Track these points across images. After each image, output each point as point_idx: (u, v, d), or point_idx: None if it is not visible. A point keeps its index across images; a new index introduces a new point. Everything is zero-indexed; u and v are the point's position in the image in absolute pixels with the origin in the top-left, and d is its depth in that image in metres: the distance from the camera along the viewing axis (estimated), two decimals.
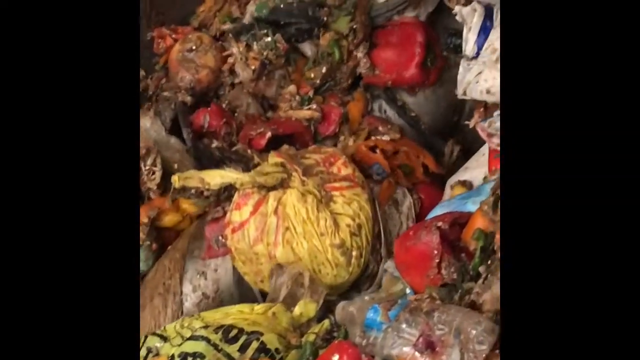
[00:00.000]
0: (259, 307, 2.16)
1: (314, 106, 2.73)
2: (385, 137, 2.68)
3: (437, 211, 2.18)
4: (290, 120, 2.73)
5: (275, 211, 2.35)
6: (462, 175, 2.52)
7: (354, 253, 2.37)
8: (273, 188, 2.39)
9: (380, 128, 2.71)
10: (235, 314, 2.16)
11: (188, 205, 2.66)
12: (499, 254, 1.86)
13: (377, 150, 2.62)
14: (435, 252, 1.98)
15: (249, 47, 2.76)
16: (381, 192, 2.55)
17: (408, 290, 2.06)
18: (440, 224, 2.00)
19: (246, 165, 2.53)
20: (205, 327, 2.08)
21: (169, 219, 2.68)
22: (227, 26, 2.86)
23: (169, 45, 2.90)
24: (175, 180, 2.36)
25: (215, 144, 2.66)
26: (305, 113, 2.73)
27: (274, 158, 2.44)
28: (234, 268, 2.51)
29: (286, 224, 2.34)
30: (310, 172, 2.41)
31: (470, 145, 2.69)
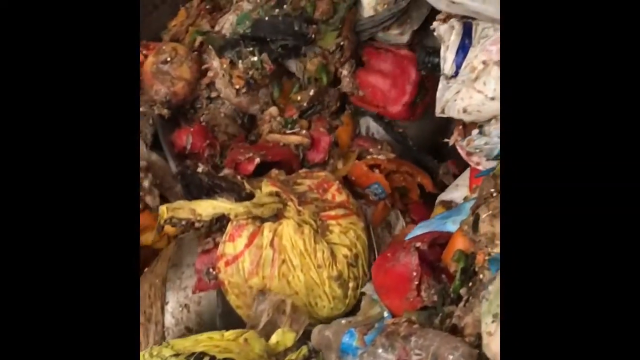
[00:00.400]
0: (229, 334, 2.15)
1: (303, 132, 2.72)
2: (382, 157, 2.67)
3: (417, 231, 2.18)
4: (279, 146, 2.72)
5: (271, 243, 2.34)
6: (452, 192, 2.54)
7: (350, 284, 2.37)
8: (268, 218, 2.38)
9: (371, 149, 2.72)
10: (206, 340, 2.15)
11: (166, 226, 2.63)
12: (480, 276, 1.86)
13: (377, 170, 2.62)
14: (415, 273, 1.99)
15: (232, 64, 2.73)
16: (375, 214, 2.56)
17: (386, 314, 2.06)
18: (418, 244, 2.00)
19: (238, 194, 2.51)
20: (176, 355, 2.08)
21: (145, 237, 2.65)
22: (201, 39, 2.84)
23: (140, 61, 2.89)
24: (164, 212, 2.35)
25: (201, 167, 2.65)
26: (294, 139, 2.72)
27: (268, 187, 2.43)
28: (219, 300, 2.50)
29: (282, 257, 2.34)
30: (304, 199, 2.42)
31: (461, 162, 2.68)
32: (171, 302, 2.52)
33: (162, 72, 2.82)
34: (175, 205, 2.38)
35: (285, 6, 2.70)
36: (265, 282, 2.34)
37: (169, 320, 2.50)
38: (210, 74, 2.83)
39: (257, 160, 2.62)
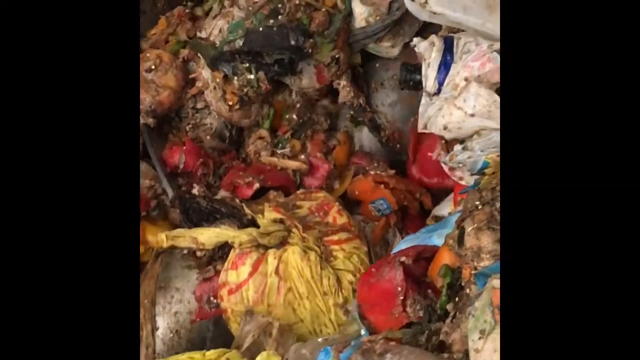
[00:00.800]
0: (210, 353, 2.13)
1: (302, 157, 2.68)
2: (385, 174, 2.64)
3: (401, 245, 2.19)
4: (276, 170, 2.68)
5: (276, 271, 2.31)
6: (446, 206, 2.52)
7: None
8: None
9: (367, 167, 2.69)
10: None
11: (153, 238, 2.52)
12: (467, 290, 1.87)
13: (382, 186, 2.61)
14: (399, 289, 1.98)
15: (226, 78, 2.64)
16: (375, 232, 2.56)
17: (363, 332, 2.05)
18: (403, 258, 1.98)
19: (240, 220, 2.47)
20: None
21: None
22: (186, 50, 2.78)
23: None
24: (163, 240, 2.31)
25: (196, 189, 2.60)
26: (292, 164, 2.68)
27: (271, 213, 2.41)
28: (210, 325, 2.48)
29: (288, 284, 2.31)
30: (307, 224, 2.40)
31: None
32: (161, 328, 2.49)
33: (146, 80, 2.72)
34: (175, 233, 2.35)
35: (280, 17, 2.63)
36: (270, 310, 2.31)
37: (159, 346, 2.46)
38: (198, 84, 2.77)
39: (257, 185, 2.58)
